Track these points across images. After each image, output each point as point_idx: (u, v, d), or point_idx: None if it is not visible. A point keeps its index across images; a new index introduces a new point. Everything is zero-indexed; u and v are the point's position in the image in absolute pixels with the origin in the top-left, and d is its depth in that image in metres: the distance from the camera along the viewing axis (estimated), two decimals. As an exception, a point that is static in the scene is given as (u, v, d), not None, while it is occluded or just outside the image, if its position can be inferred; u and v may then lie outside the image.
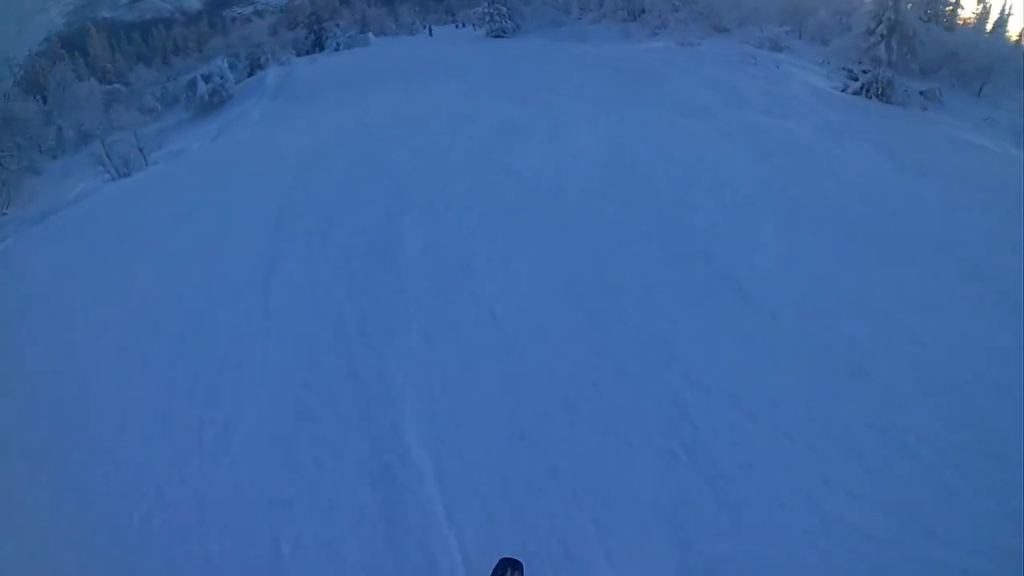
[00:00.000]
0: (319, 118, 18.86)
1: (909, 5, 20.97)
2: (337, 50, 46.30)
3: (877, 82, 19.21)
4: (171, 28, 79.26)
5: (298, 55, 47.10)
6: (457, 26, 60.87)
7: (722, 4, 36.29)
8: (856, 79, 23.00)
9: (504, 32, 39.95)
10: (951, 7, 29.12)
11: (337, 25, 49.92)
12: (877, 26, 20.29)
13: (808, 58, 27.58)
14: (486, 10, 40.34)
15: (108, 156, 18.24)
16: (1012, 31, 35.41)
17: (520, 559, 3.73)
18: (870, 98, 19.25)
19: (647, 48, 27.18)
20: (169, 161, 17.73)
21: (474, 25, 48.81)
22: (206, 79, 27.41)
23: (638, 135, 12.90)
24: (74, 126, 28.30)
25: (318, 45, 49.92)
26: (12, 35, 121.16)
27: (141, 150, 18.93)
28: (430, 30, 58.04)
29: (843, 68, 23.94)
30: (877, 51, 19.66)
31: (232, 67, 37.31)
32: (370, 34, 52.25)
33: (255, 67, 36.04)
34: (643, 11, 41.00)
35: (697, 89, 17.44)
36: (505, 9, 40.05)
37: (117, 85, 33.25)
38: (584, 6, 47.80)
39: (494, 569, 3.53)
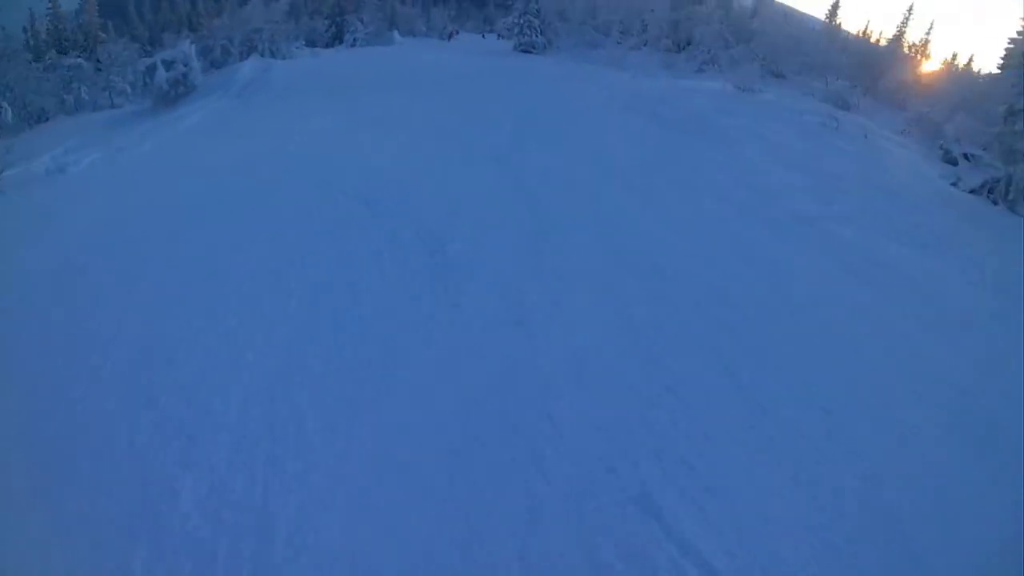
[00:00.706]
0: (246, 142, 13.42)
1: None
2: (353, 45, 40.77)
3: (1012, 185, 13.23)
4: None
5: (310, 45, 41.69)
6: (483, 35, 55.33)
7: (783, 47, 30.25)
8: (954, 162, 17.16)
9: (533, 48, 34.21)
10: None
11: (360, 19, 44.20)
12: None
13: (883, 122, 21.72)
14: (516, 20, 34.61)
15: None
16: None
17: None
18: (995, 202, 13.33)
19: (696, 88, 21.37)
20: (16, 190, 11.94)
21: (500, 36, 43.35)
22: (168, 65, 21.79)
23: (698, 287, 6.91)
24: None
25: (338, 37, 44.42)
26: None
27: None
28: (450, 35, 52.47)
29: (940, 147, 18.10)
30: (1015, 142, 13.65)
31: (225, 52, 31.83)
32: (395, 32, 46.67)
33: (251, 54, 30.53)
34: (688, 43, 35.16)
35: (774, 167, 11.76)
36: (537, 23, 34.32)
37: (80, 60, 27.55)
38: (625, 30, 42.07)
39: None
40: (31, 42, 38.59)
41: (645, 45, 37.84)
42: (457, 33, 54.55)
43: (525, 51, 34.13)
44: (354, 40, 40.33)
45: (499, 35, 49.38)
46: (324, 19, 46.73)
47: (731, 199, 9.60)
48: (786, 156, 12.56)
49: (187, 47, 22.49)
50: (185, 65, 21.85)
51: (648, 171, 10.80)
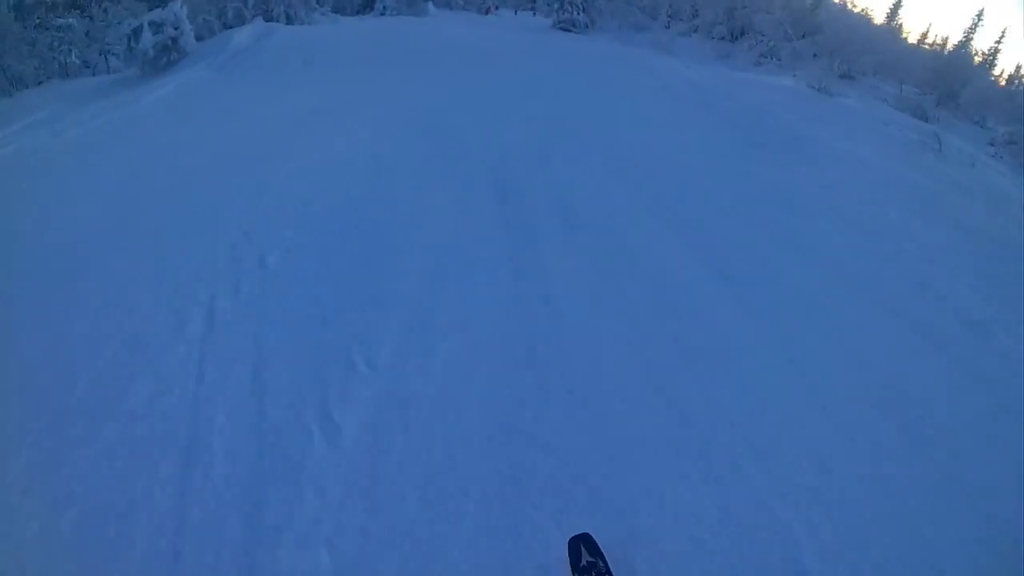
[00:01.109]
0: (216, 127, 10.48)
1: None
2: (383, 14, 37.31)
3: None
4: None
5: (338, 11, 38.33)
6: (515, 12, 51.39)
7: (852, 44, 26.25)
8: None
9: (574, 26, 30.55)
10: None
11: (393, -13, 40.62)
12: None
13: (966, 139, 18.08)
14: (555, -7, 30.98)
15: None
16: None
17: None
18: None
19: (761, 83, 17.73)
20: None
21: (536, 13, 39.76)
22: (156, 28, 18.71)
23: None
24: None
25: (369, 5, 40.94)
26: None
27: None
28: (487, 10, 48.50)
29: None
30: None
31: (238, 15, 28.60)
32: (430, 3, 43.02)
33: (264, 19, 27.34)
34: (743, 32, 31.21)
35: (895, 212, 8.29)
36: (581, 5, 30.54)
37: (72, 20, 24.46)
38: (674, 13, 38.06)
39: (569, 552, 2.98)
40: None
41: (695, 32, 33.89)
42: (496, 8, 50.60)
43: (565, 29, 30.48)
44: (384, 8, 36.83)
45: (535, 12, 45.72)
46: (357, -16, 43.28)
47: (851, 277, 6.23)
48: (903, 195, 9.10)
49: (178, 7, 19.31)
50: (175, 28, 18.73)
51: (731, 207, 7.45)
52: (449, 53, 17.78)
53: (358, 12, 40.84)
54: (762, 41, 28.92)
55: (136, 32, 19.33)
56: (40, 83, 22.81)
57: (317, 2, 36.64)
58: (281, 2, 27.56)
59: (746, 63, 28.83)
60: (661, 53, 26.34)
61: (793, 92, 16.49)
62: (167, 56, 18.86)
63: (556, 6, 30.80)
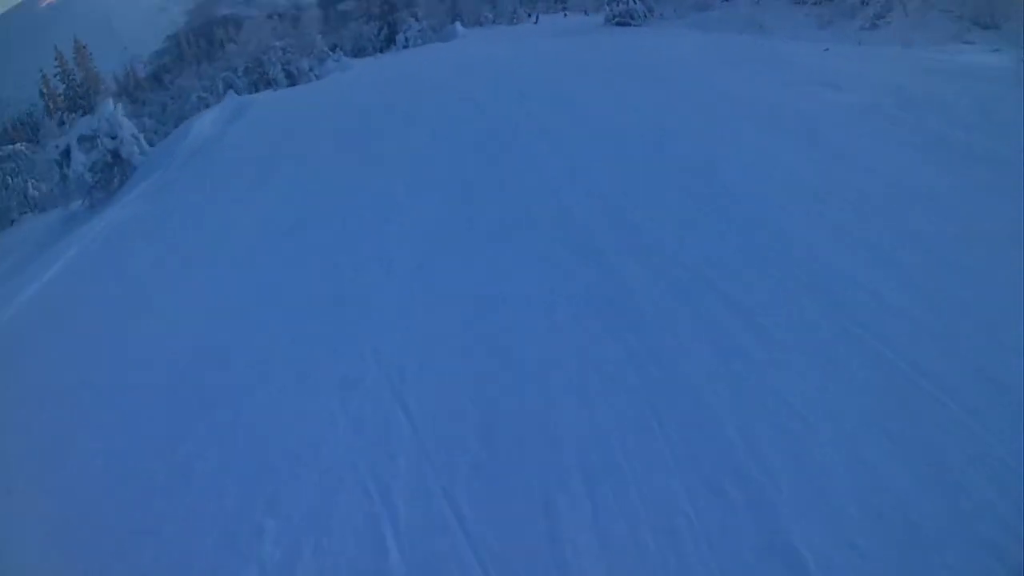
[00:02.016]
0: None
1: None
2: (406, 47, 31.33)
3: None
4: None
5: (358, 54, 32.66)
6: (565, 14, 44.65)
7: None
8: None
9: (632, 18, 23.56)
10: None
11: (415, 16, 34.57)
12: None
13: None
14: (606, -14, 24.09)
15: None
16: None
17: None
18: None
19: (963, 64, 10.56)
20: None
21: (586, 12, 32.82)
22: (88, 143, 13.09)
23: None
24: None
25: (392, 39, 35.11)
26: (137, 33, 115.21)
27: None
28: (536, 17, 41.85)
29: None
30: None
31: (229, 85, 23.02)
32: (458, 25, 36.81)
33: (260, 84, 21.75)
34: None
35: None
36: (638, -11, 23.65)
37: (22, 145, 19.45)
38: None
39: None
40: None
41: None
42: (533, 18, 44.12)
43: (621, 23, 23.52)
44: (407, 40, 30.81)
45: (586, 11, 38.99)
46: (374, 21, 37.44)
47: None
48: None
49: (110, 110, 13.56)
50: (112, 137, 12.98)
51: None
52: (490, 85, 11.65)
53: (380, 50, 35.09)
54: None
55: (66, 155, 13.69)
56: (12, 221, 18.13)
57: (331, 49, 31.05)
58: (278, 60, 21.71)
59: (855, 29, 21.16)
60: (749, 32, 19.30)
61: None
62: (115, 175, 13.16)
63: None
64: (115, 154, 13.26)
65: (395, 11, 35.47)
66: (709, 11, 27.60)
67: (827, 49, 13.67)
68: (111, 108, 13.58)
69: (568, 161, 7.43)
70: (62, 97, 35.51)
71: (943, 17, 19.99)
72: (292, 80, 22.72)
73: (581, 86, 11.32)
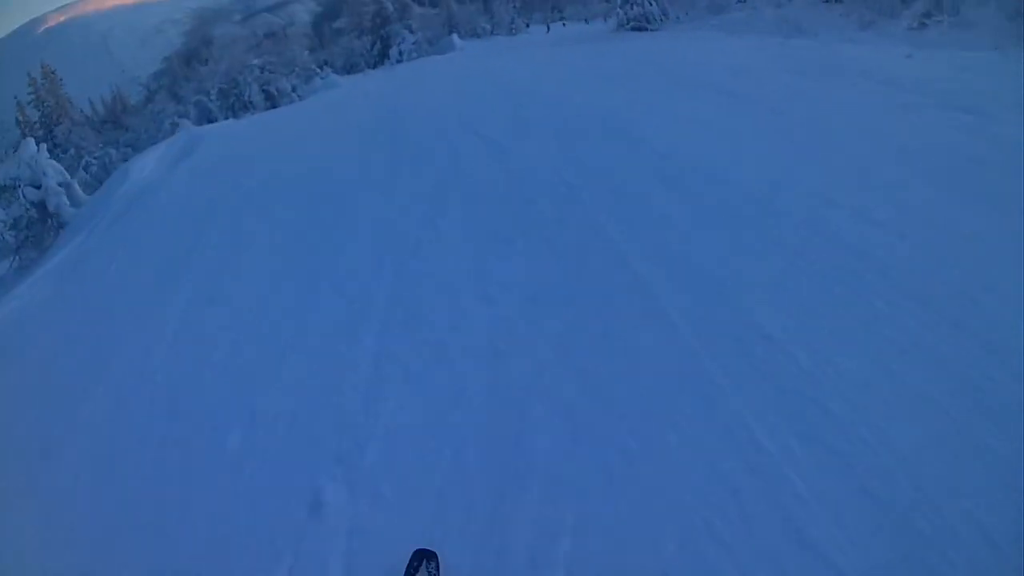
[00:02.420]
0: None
1: None
2: (399, 61, 28.61)
3: None
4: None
5: (349, 71, 29.95)
6: (563, 23, 42.13)
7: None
8: None
9: (648, 22, 20.80)
10: None
11: (409, 28, 31.87)
12: None
13: None
14: (617, -14, 21.37)
15: None
16: None
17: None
18: None
19: None
20: None
21: (592, 17, 30.19)
22: (8, 195, 10.45)
23: None
24: None
25: (385, 54, 32.38)
26: (135, 55, 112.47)
27: None
28: (548, 27, 39.08)
29: None
30: None
31: (203, 110, 20.32)
32: (455, 37, 34.10)
33: (237, 107, 18.96)
34: None
35: None
36: (652, -6, 20.95)
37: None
38: None
39: (409, 561, 2.74)
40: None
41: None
42: (544, 28, 41.45)
43: (637, 28, 20.79)
44: (400, 55, 28.08)
45: (586, 20, 36.48)
46: (366, 35, 34.70)
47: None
48: None
49: (31, 151, 10.74)
50: (36, 187, 10.24)
51: None
52: (493, 128, 8.57)
53: (373, 65, 32.38)
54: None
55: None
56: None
57: (321, 65, 28.31)
58: (255, 80, 18.91)
59: (902, 30, 18.35)
60: (778, 35, 16.69)
61: None
62: (48, 228, 10.42)
63: (620, 2, 21.03)
64: (41, 206, 10.48)
65: (388, 23, 32.73)
66: (726, 13, 24.88)
67: (910, 56, 10.86)
68: (33, 150, 10.74)
69: (668, 269, 4.51)
70: (37, 124, 32.92)
71: (998, 15, 17.29)
72: (272, 102, 19.98)
73: (633, 107, 8.52)
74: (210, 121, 18.70)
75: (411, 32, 31.71)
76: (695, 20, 23.83)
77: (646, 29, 20.83)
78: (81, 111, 29.55)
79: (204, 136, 12.80)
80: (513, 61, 15.88)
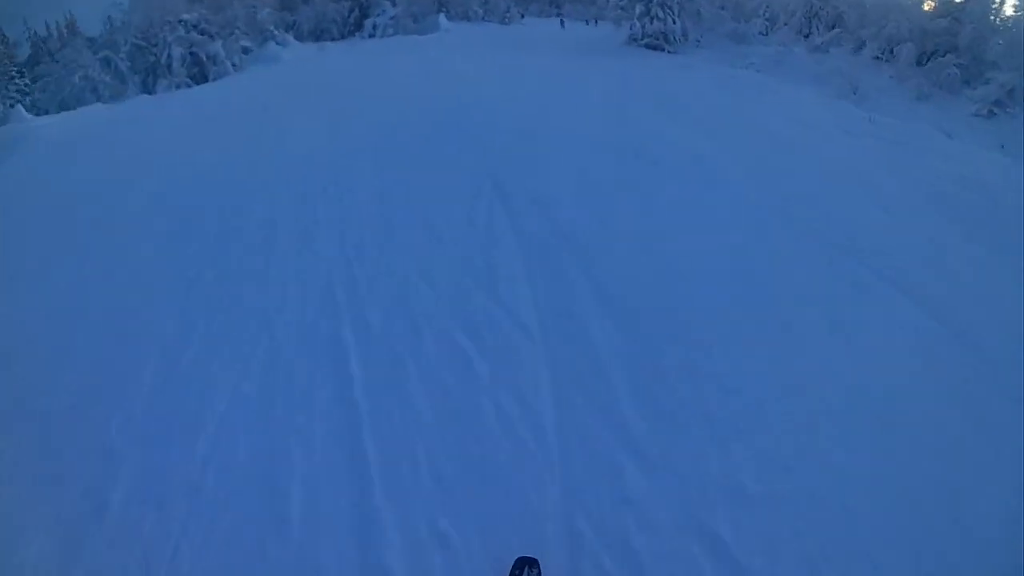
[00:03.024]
0: None
1: None
2: (372, 36, 24.28)
3: None
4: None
5: (320, 37, 25.45)
6: (562, 22, 38.09)
7: None
8: None
9: (667, 41, 17.16)
10: None
11: (391, 1, 27.29)
12: None
13: None
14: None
15: None
16: None
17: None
18: None
19: None
20: None
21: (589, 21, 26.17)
22: None
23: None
24: None
25: (360, 25, 27.83)
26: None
27: None
28: (562, 21, 34.36)
29: None
30: None
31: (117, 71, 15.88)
32: (442, 16, 29.76)
33: (160, 71, 14.47)
34: (946, 51, 17.44)
35: None
36: (676, 9, 17.09)
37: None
38: (772, 16, 24.46)
39: (511, 569, 2.78)
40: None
41: (831, 45, 20.12)
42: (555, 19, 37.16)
43: (653, 47, 17.15)
44: (374, 28, 23.74)
45: (587, 21, 32.41)
46: (346, 0, 29.89)
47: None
48: None
49: None
50: None
51: None
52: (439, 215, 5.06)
53: (347, 35, 27.81)
54: (998, 82, 15.13)
55: None
56: None
57: (288, 27, 23.72)
58: (177, 42, 14.39)
59: (967, 116, 15.20)
60: (846, 94, 13.34)
61: None
62: None
63: (639, 10, 17.23)
64: None
65: (369, -10, 28.09)
66: (748, 44, 21.45)
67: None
68: None
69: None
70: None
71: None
72: (201, 69, 15.48)
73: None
74: (119, 84, 14.09)
75: (393, 4, 27.24)
76: (715, 47, 20.43)
77: (663, 49, 17.20)
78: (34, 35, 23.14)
79: (32, 134, 8.55)
80: (496, 67, 12.03)
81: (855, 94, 13.84)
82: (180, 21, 15.34)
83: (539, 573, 2.66)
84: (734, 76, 12.55)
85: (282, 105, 9.88)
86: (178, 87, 14.52)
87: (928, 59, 17.62)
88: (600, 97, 9.67)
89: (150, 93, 14.95)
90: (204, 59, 15.42)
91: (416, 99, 9.39)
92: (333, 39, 27.65)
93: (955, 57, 17.08)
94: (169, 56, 14.84)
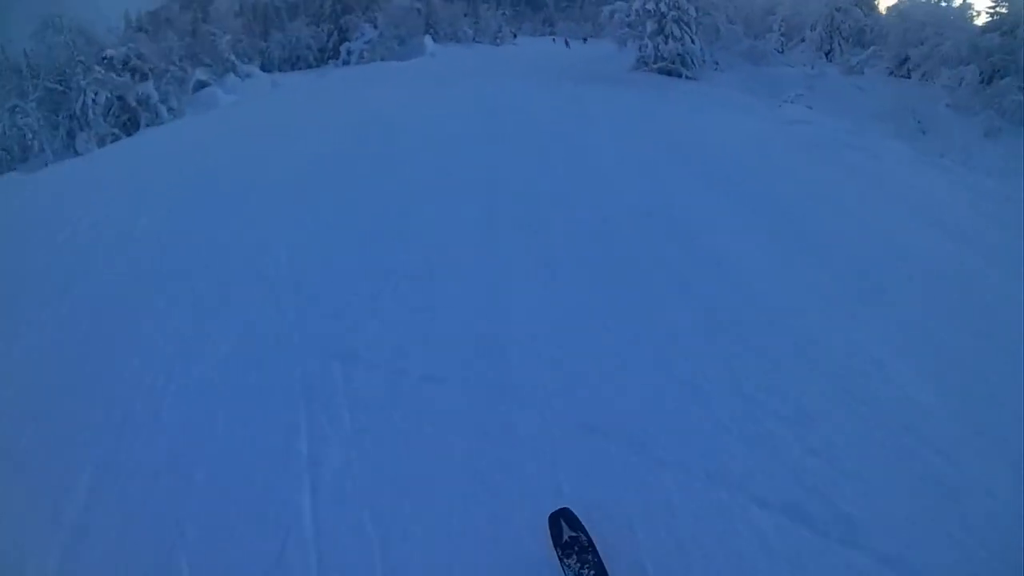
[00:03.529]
0: None
1: None
2: (347, 63, 21.59)
3: None
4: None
5: (296, 65, 22.86)
6: (554, 39, 35.67)
7: None
8: None
9: (683, 65, 14.38)
10: None
11: (372, 23, 24.70)
12: None
13: None
14: (644, 7, 14.53)
15: None
16: None
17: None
18: None
19: None
20: None
21: (586, 39, 23.39)
22: None
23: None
24: None
25: (335, 53, 25.16)
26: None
27: None
28: (573, 40, 32.09)
29: None
30: None
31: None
32: (428, 39, 27.10)
33: (78, 120, 11.56)
34: (996, 73, 14.70)
35: None
36: (691, 13, 14.29)
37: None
38: (788, 32, 21.98)
39: (549, 527, 2.42)
40: None
41: (868, 66, 17.32)
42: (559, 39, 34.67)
43: (667, 72, 14.35)
44: (348, 55, 21.02)
45: (584, 39, 30.04)
46: (324, 23, 27.19)
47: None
48: None
49: None
50: None
51: None
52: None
53: (324, 61, 25.15)
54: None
55: None
56: None
57: (260, 53, 20.99)
58: (95, 84, 11.60)
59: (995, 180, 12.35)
60: (911, 134, 10.53)
61: None
62: None
63: (650, 31, 14.40)
64: None
65: (349, 12, 25.38)
66: (767, 65, 18.69)
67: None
68: None
69: None
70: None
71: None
72: (132, 117, 12.42)
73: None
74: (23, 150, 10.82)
75: (374, 27, 24.52)
76: (734, 69, 17.67)
77: (679, 74, 14.39)
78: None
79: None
80: (483, 112, 9.01)
81: (924, 134, 11.03)
82: (103, 59, 12.19)
83: (575, 517, 2.38)
84: (792, 119, 9.46)
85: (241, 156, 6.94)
86: (102, 142, 11.45)
87: (989, 81, 14.81)
88: (619, 161, 6.51)
89: (74, 150, 11.88)
90: (135, 105, 12.36)
91: (358, 184, 6.11)
92: (309, 66, 24.96)
93: (1018, 80, 14.31)
94: (85, 104, 11.76)
